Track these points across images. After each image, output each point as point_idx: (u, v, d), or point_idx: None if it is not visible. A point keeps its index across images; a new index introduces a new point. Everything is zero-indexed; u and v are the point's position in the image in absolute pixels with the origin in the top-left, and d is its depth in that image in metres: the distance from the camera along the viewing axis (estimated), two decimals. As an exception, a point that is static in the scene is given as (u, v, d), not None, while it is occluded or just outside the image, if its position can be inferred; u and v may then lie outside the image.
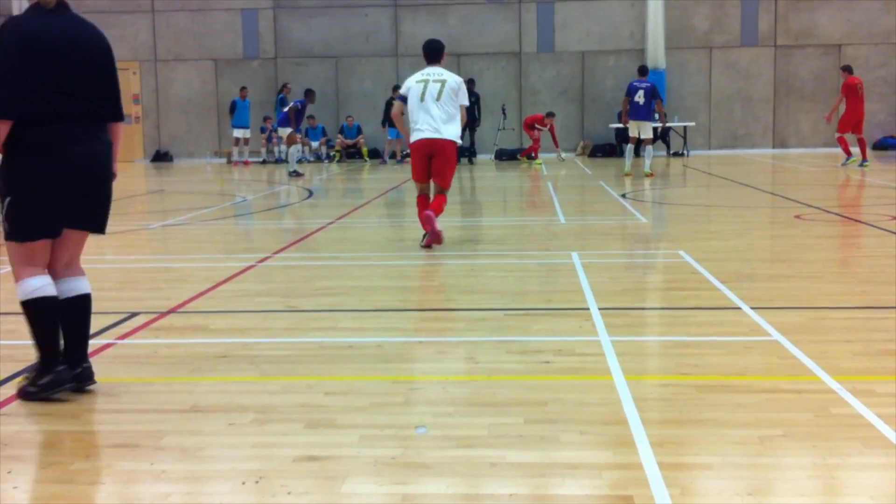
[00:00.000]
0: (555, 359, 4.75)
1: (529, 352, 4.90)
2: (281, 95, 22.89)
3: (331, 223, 10.94)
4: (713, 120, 25.28)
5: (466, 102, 8.87)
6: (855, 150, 19.34)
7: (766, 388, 4.19)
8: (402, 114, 9.02)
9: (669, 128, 24.70)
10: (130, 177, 19.53)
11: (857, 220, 10.08)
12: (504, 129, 24.49)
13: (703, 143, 25.35)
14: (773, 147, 25.40)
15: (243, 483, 3.21)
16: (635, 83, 16.95)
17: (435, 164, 8.70)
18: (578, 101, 25.55)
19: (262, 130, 25.04)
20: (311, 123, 24.76)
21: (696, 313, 5.79)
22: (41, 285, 4.12)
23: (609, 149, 24.78)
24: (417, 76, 8.85)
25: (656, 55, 24.89)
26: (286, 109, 19.94)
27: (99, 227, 4.33)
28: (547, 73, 25.47)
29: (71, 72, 4.06)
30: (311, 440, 3.62)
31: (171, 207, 12.54)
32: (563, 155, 22.92)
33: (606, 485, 3.15)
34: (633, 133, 17.31)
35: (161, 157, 26.45)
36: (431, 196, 8.89)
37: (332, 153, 25.03)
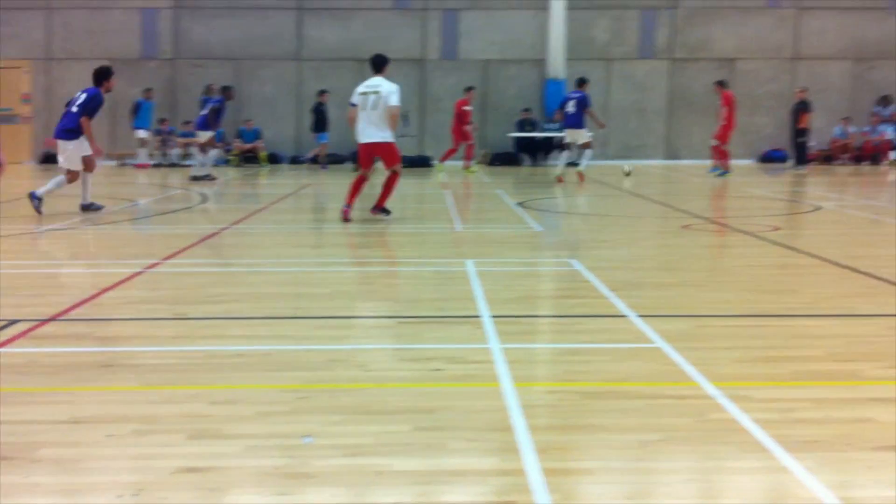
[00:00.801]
0: (446, 366, 4.77)
1: (421, 359, 4.92)
2: (204, 97, 22.46)
3: (225, 229, 10.76)
4: (610, 130, 25.81)
5: (395, 103, 10.81)
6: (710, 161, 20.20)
7: (648, 394, 4.29)
8: (354, 118, 11.07)
9: (563, 137, 25.12)
10: (17, 178, 18.84)
11: (741, 231, 10.43)
12: (406, 136, 24.51)
13: (600, 154, 25.82)
14: (666, 158, 26.08)
15: (120, 496, 3.13)
16: (568, 94, 17.91)
17: (381, 160, 11.23)
18: (480, 110, 25.72)
19: (158, 133, 24.51)
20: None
21: (584, 321, 5.90)
22: None
23: (508, 157, 25.05)
24: (361, 87, 10.97)
25: (557, 66, 25.30)
26: (204, 112, 19.13)
27: None
28: (449, 81, 25.60)
29: None
30: (193, 451, 3.56)
31: (57, 211, 12.13)
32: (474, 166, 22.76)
33: (491, 491, 3.18)
34: (568, 139, 18.12)
35: (50, 158, 25.58)
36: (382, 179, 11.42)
37: (228, 157, 24.64)
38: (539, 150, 25.43)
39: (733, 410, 4.02)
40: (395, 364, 4.85)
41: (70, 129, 11.91)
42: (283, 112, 25.56)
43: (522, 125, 25.14)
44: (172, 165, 24.06)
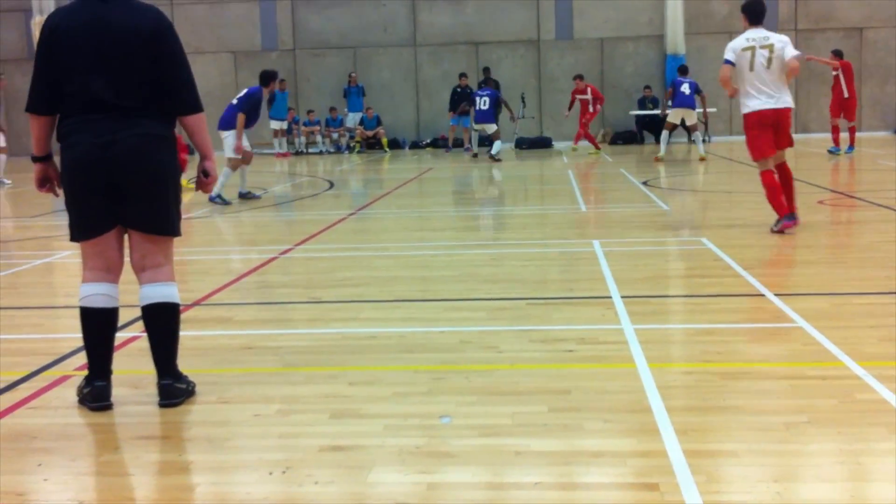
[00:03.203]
0: (577, 347, 4.75)
1: (552, 340, 4.90)
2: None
3: (352, 214, 10.96)
4: (734, 106, 24.98)
5: (793, 54, 8.39)
6: (843, 135, 18.99)
7: (791, 375, 4.17)
8: (731, 78, 8.44)
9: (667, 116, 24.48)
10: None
11: (880, 205, 9.99)
12: (524, 117, 24.43)
13: (725, 129, 25.18)
14: (796, 132, 24.99)
15: (270, 473, 3.24)
16: (679, 79, 18.62)
17: (778, 132, 8.41)
18: (598, 89, 25.42)
19: (296, 121, 25.01)
20: (333, 114, 24.81)
21: (719, 300, 5.77)
22: (89, 294, 3.97)
23: (629, 136, 24.66)
24: (742, 42, 8.41)
25: (676, 41, 24.73)
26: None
27: (148, 227, 4.00)
28: (566, 61, 25.36)
29: (90, 62, 3.84)
30: (335, 430, 3.65)
31: (193, 200, 12.59)
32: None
33: (631, 472, 3.16)
34: (673, 120, 18.46)
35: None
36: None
37: (351, 144, 25.05)
38: (662, 128, 24.91)
39: (882, 391, 3.87)
40: (527, 345, 4.85)
41: (226, 121, 12.51)
42: (401, 98, 25.79)
43: (643, 103, 24.68)
44: (298, 154, 24.59)
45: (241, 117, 12.22)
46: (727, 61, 8.42)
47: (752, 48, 8.31)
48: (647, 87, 24.70)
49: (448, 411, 3.81)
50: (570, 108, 21.74)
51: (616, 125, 25.19)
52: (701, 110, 18.72)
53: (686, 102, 18.25)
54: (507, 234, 9.28)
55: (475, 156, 20.88)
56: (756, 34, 8.39)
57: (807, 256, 7.28)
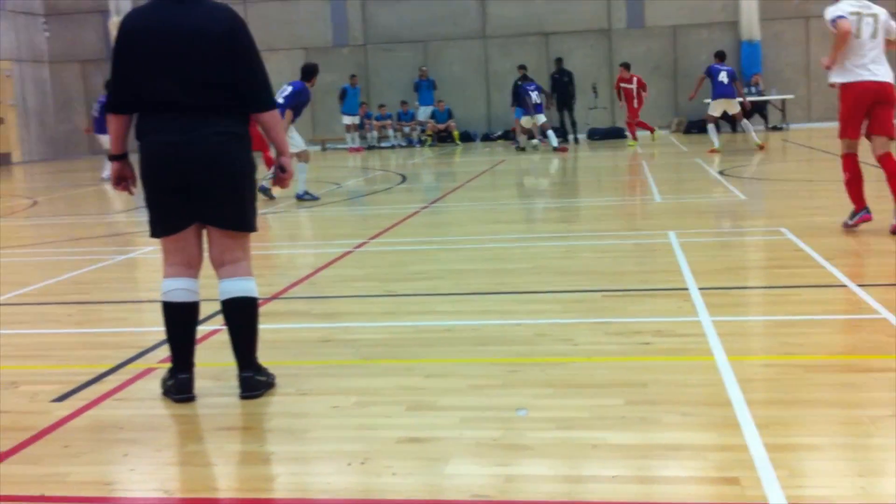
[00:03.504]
0: (654, 340, 4.70)
1: (628, 333, 4.86)
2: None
3: (424, 207, 11.01)
4: (812, 92, 24.49)
5: None
6: None
7: (876, 367, 4.07)
8: (847, 34, 7.55)
9: (766, 101, 24.03)
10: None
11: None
12: (596, 108, 24.22)
13: (803, 116, 24.59)
14: (877, 118, 24.49)
15: (349, 464, 3.28)
16: (716, 66, 17.99)
17: (878, 113, 7.66)
18: (671, 77, 25.07)
19: (368, 116, 25.22)
20: (404, 108, 24.93)
21: (799, 291, 5.65)
22: (171, 289, 4.06)
23: (704, 125, 24.24)
24: (847, 7, 7.68)
25: (751, 27, 24.24)
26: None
27: (226, 223, 4.07)
28: (638, 50, 25.04)
29: (166, 62, 3.89)
30: (413, 422, 3.67)
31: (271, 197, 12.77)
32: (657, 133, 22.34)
33: (711, 466, 3.12)
34: (715, 112, 18.11)
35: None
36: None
37: (423, 138, 25.13)
38: (731, 118, 24.47)
39: (973, 384, 3.75)
40: (603, 338, 4.81)
41: None
42: (472, 90, 25.78)
43: (718, 91, 24.24)
44: (370, 148, 24.78)
45: (288, 113, 11.92)
46: (842, 17, 7.56)
47: (859, 14, 7.65)
48: (722, 74, 24.25)
49: (524, 404, 3.81)
50: (619, 98, 21.39)
51: (690, 114, 24.79)
52: (741, 99, 17.97)
53: (726, 93, 17.68)
54: (581, 225, 9.22)
55: (521, 149, 21.04)
56: (860, 2, 7.74)
57: (890, 246, 7.08)
